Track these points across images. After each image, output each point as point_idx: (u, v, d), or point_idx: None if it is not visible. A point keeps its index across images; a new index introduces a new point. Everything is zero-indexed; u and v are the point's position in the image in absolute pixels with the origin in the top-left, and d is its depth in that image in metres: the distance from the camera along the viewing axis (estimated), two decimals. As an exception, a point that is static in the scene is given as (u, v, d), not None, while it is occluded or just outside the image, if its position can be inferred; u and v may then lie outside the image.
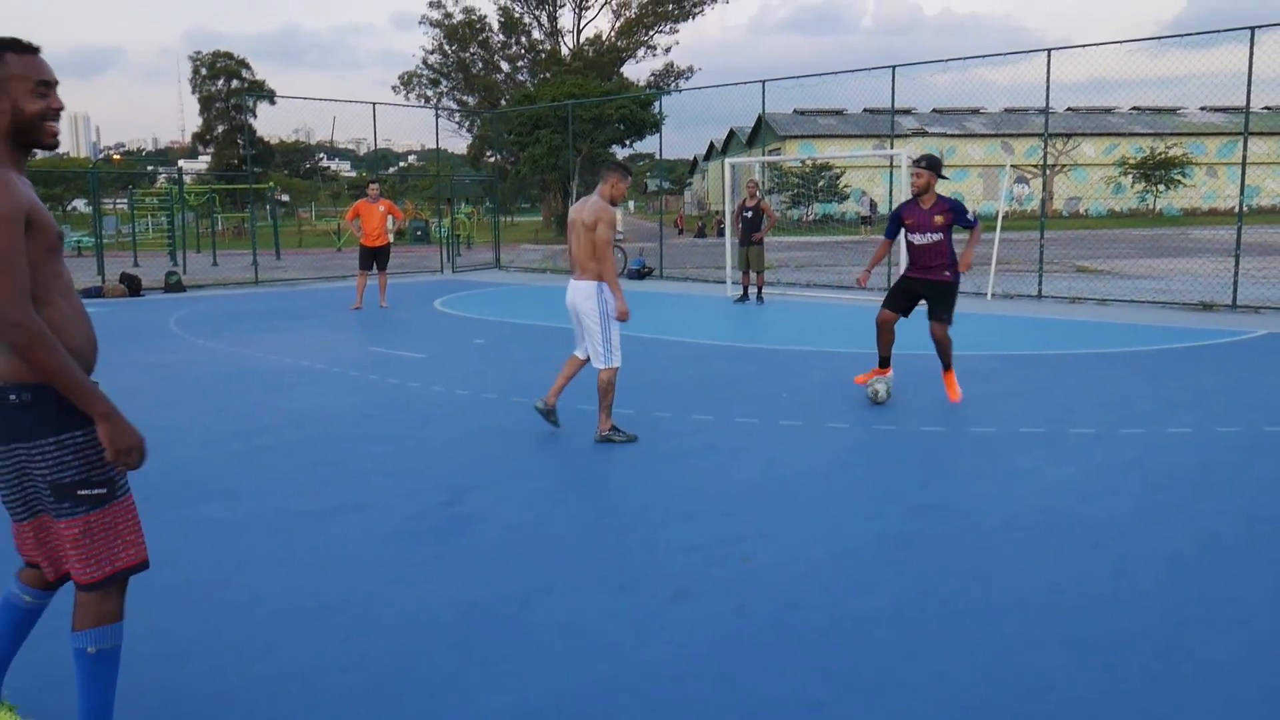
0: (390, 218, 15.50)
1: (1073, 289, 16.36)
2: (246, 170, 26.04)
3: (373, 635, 3.74)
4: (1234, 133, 52.99)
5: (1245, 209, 14.62)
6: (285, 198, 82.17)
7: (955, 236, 7.79)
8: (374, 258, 15.32)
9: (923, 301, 7.88)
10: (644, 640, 3.67)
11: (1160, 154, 50.39)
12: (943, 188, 7.93)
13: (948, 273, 7.69)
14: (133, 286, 18.19)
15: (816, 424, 7.14)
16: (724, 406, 7.76)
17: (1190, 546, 4.60)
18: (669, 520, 5.07)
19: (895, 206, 7.93)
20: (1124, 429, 6.86)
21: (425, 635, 3.73)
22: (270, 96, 51.94)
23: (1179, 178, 50.30)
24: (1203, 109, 58.53)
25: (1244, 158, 14.24)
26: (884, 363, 8.00)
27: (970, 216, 7.70)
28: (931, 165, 7.73)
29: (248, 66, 64.84)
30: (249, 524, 5.09)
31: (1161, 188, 50.85)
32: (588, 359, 6.84)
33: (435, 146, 25.93)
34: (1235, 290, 13.84)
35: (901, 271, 8.03)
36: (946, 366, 7.83)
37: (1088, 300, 15.07)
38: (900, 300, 7.92)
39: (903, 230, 7.85)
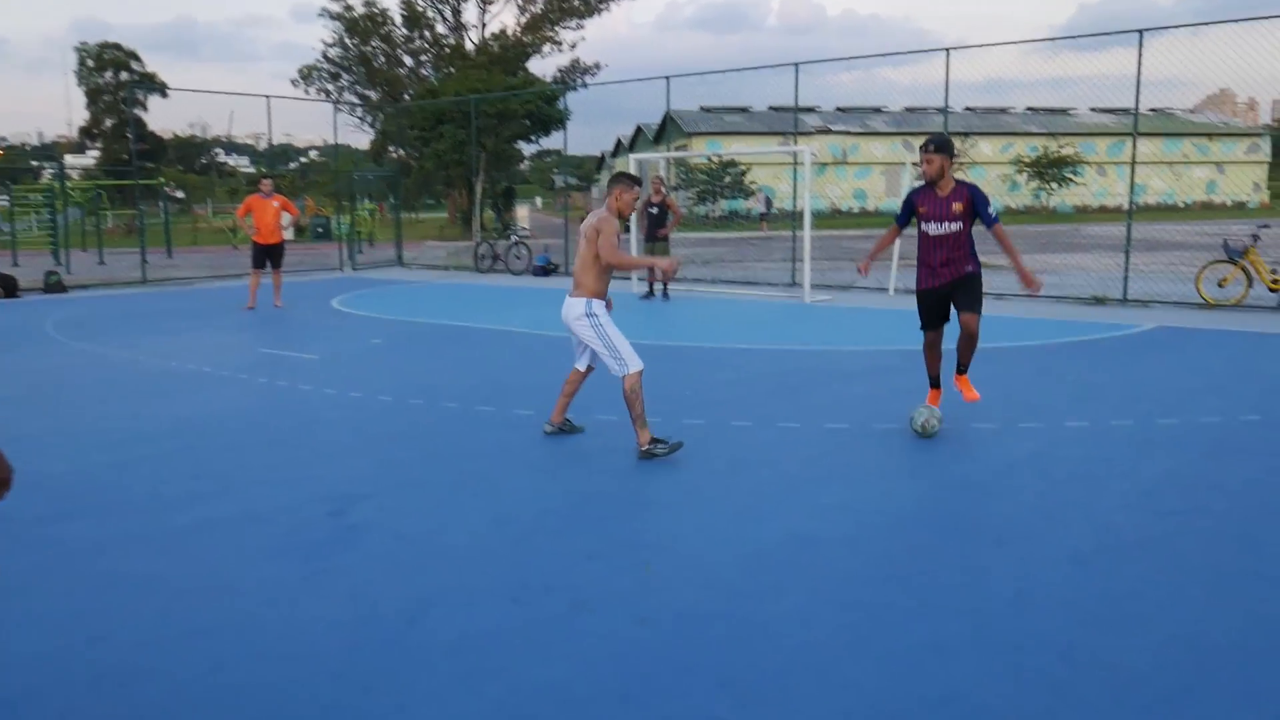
0: (285, 214, 14.96)
1: (972, 284, 16.62)
2: (135, 165, 24.99)
3: (246, 662, 3.47)
4: (1123, 133, 54.92)
5: (1133, 206, 15.04)
6: (180, 194, 79.49)
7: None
8: (268, 256, 14.76)
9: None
10: (538, 659, 3.47)
11: (1053, 153, 51.92)
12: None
13: (969, 267, 6.73)
14: (8, 287, 17.22)
15: (720, 422, 7.03)
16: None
17: (1090, 543, 4.59)
18: (568, 527, 4.89)
19: (908, 192, 7.02)
20: (1022, 423, 6.90)
21: (303, 661, 3.48)
22: (162, 89, 50.14)
23: (1071, 176, 51.88)
24: (1093, 110, 60.52)
25: (1133, 157, 14.64)
26: (934, 383, 7.01)
27: (991, 211, 6.57)
28: (942, 147, 6.63)
29: (137, 58, 62.38)
30: (118, 542, 4.74)
31: (1055, 185, 52.40)
32: (588, 371, 6.65)
33: (334, 141, 25.27)
34: (1125, 285, 14.22)
35: (915, 264, 6.95)
36: (962, 368, 6.98)
37: (985, 295, 15.31)
38: (935, 317, 6.95)
39: (916, 219, 6.81)
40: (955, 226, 6.61)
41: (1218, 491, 5.33)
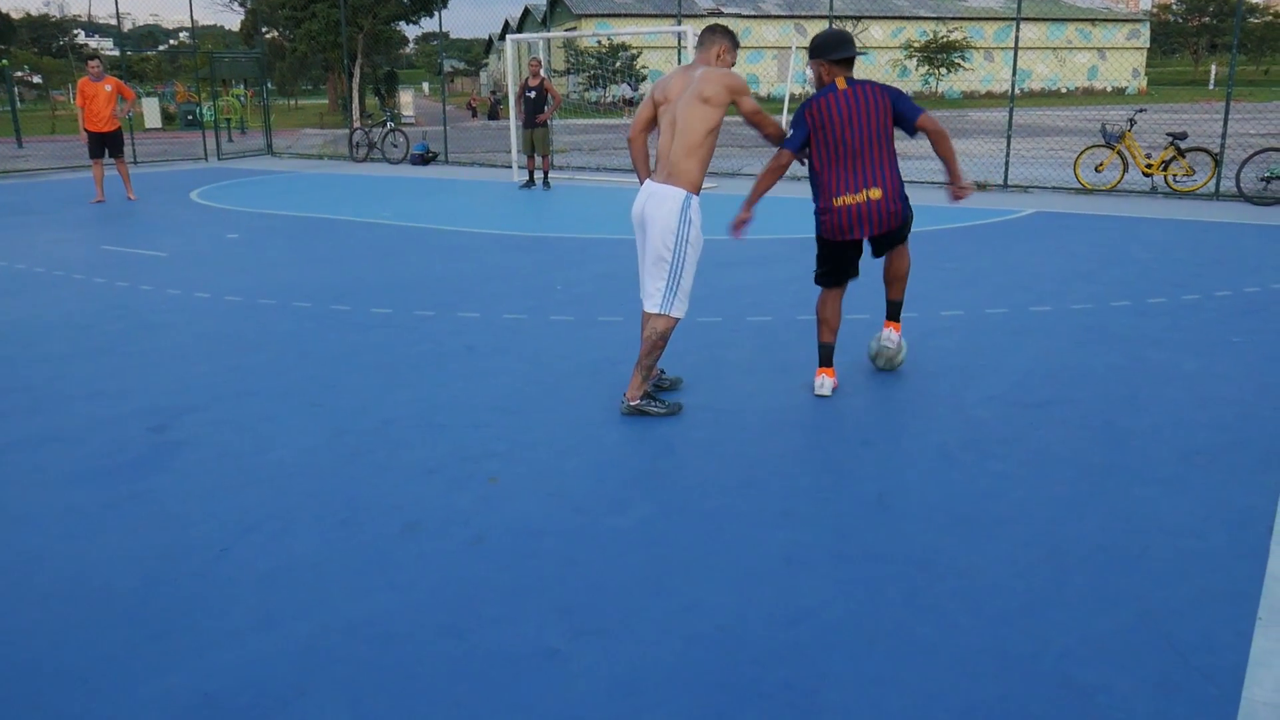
0: (120, 99, 13.77)
1: (858, 171, 16.44)
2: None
3: (22, 608, 3.07)
4: (1009, 18, 55.09)
5: (1017, 92, 14.96)
6: (36, 79, 74.11)
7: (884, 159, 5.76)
8: (104, 144, 13.62)
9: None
10: (358, 589, 3.15)
11: (942, 38, 51.86)
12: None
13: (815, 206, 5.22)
14: None
15: (588, 318, 6.70)
16: (493, 302, 7.21)
17: (956, 439, 4.44)
18: (411, 438, 4.53)
19: None
20: (898, 314, 6.73)
21: (92, 603, 3.09)
22: (4, -38, 46.06)
23: (959, 61, 52.00)
24: (981, -7, 60.47)
25: (1015, 41, 14.48)
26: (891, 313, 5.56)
27: (790, 131, 4.94)
28: (818, 48, 4.90)
29: (-24, -73, 57.17)
30: (-102, 468, 4.22)
31: (943, 71, 52.49)
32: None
33: (192, 20, 23.53)
34: (1006, 170, 14.21)
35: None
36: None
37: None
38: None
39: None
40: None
41: (1084, 379, 5.25)
